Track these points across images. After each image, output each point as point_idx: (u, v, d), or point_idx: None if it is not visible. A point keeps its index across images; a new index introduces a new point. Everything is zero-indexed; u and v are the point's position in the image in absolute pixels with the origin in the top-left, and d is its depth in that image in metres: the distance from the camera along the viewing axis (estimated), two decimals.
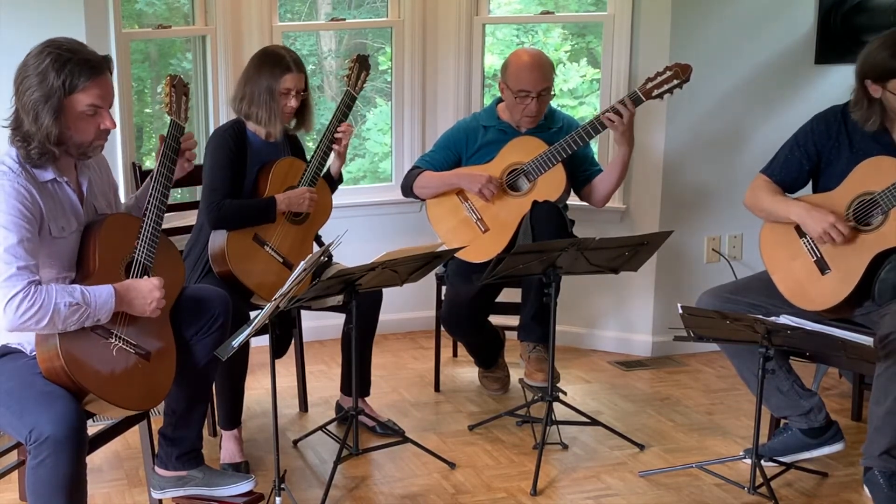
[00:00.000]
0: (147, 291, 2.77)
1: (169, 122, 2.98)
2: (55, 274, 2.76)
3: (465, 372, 4.54)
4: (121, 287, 2.73)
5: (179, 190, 4.48)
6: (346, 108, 3.79)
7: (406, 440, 3.70)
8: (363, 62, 3.86)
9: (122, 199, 3.19)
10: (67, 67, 2.65)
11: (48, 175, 2.74)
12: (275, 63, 3.64)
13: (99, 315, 2.68)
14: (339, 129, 3.75)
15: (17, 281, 2.58)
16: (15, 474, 3.24)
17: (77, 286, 2.67)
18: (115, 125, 2.78)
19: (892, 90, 3.23)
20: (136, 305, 2.76)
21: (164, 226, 2.96)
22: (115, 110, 3.24)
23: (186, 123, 3.02)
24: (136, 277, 2.82)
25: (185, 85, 3.04)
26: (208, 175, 3.63)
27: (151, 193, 2.89)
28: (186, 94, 3.04)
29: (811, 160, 3.46)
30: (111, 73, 2.77)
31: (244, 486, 3.15)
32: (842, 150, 3.40)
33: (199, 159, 3.94)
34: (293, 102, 3.65)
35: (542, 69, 3.95)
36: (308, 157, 3.78)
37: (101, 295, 2.68)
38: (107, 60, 2.76)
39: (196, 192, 3.78)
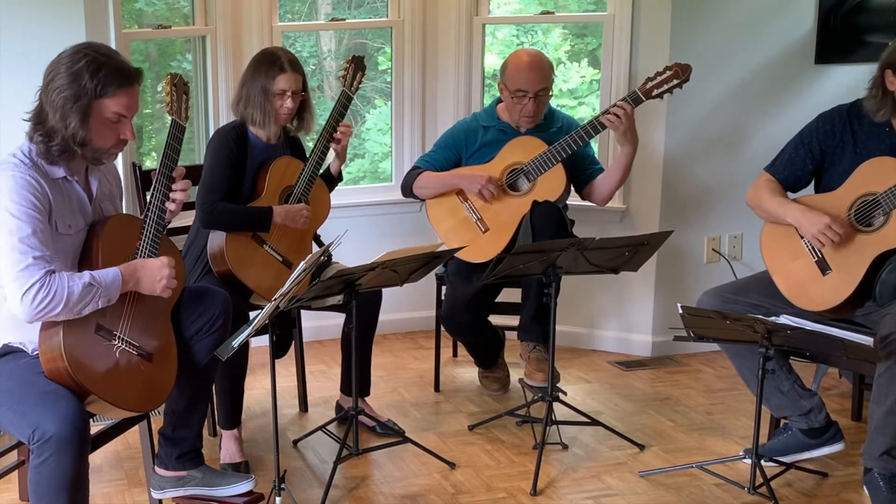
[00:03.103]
0: (156, 269, 2.80)
1: (170, 121, 2.99)
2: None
3: (465, 372, 4.53)
4: (126, 268, 2.76)
5: None
6: (342, 108, 3.78)
7: (406, 440, 3.70)
8: (358, 63, 3.85)
9: (124, 205, 3.21)
10: (102, 72, 2.70)
11: (59, 172, 2.76)
12: (270, 64, 3.63)
13: (110, 294, 2.71)
14: (338, 128, 3.75)
15: (35, 271, 2.60)
16: (15, 474, 3.24)
17: (86, 272, 2.70)
18: (134, 137, 2.83)
19: None
20: (145, 283, 2.79)
21: None
22: None
23: (186, 123, 3.02)
24: None
25: (185, 84, 3.04)
26: (207, 174, 3.63)
27: (153, 193, 2.89)
28: (187, 93, 3.05)
29: (815, 159, 3.46)
30: (139, 86, 2.81)
31: (244, 486, 3.15)
32: (846, 150, 3.40)
33: (200, 159, 3.94)
34: (289, 103, 3.63)
35: (541, 69, 3.95)
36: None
37: (108, 275, 2.72)
38: (139, 73, 2.80)
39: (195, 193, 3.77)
